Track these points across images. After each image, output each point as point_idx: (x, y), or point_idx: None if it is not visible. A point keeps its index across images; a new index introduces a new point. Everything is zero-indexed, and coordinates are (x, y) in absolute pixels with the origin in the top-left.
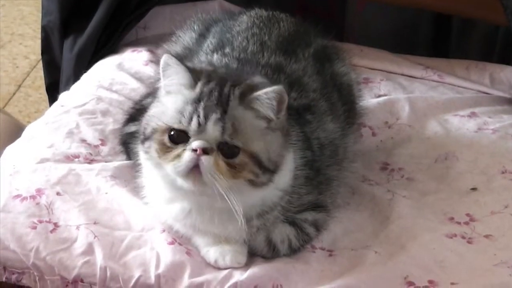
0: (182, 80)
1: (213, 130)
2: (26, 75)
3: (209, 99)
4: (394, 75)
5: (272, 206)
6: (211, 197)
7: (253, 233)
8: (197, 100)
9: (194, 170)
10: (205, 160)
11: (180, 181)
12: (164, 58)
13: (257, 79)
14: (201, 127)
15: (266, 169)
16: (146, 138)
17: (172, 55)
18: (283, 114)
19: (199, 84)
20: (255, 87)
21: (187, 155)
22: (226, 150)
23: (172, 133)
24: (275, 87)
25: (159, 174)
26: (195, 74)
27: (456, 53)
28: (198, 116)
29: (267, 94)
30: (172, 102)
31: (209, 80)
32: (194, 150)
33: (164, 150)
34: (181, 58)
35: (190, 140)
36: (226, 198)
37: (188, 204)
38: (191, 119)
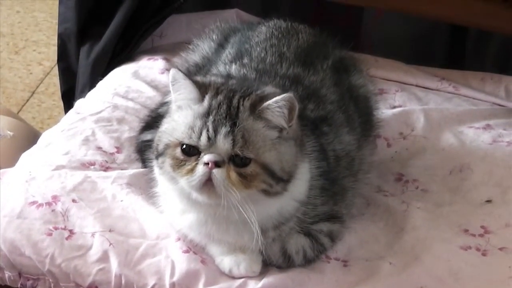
0: (190, 94)
1: (223, 143)
2: (39, 82)
3: (218, 112)
4: (409, 86)
5: (289, 217)
6: (227, 209)
7: (269, 243)
8: (206, 114)
9: (207, 183)
10: (217, 173)
11: (195, 195)
12: (172, 73)
13: (268, 89)
14: (211, 141)
15: (280, 179)
16: (160, 154)
17: (179, 69)
18: (295, 123)
19: (207, 98)
20: (265, 97)
21: (199, 169)
22: (238, 161)
23: (184, 146)
24: (284, 95)
25: (174, 188)
26: (203, 88)
27: (472, 65)
28: (208, 130)
29: (277, 103)
30: (183, 117)
31: (217, 93)
32: (206, 164)
33: (177, 164)
34: (198, 71)
35: (202, 154)
36: (241, 209)
37: (204, 215)
38: (200, 133)
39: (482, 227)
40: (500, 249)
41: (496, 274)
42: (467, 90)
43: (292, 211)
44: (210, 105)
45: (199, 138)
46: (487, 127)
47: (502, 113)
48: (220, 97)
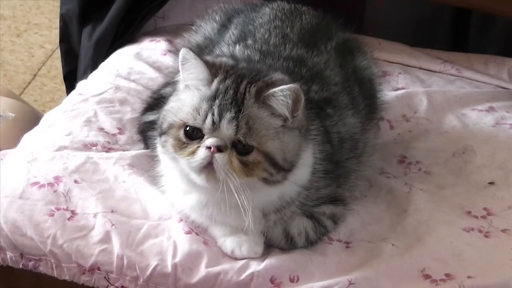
0: (200, 75)
1: (227, 129)
2: (41, 65)
3: (224, 97)
4: (412, 69)
5: (290, 201)
6: (225, 193)
7: (271, 226)
8: (213, 98)
9: (208, 166)
10: (218, 157)
11: (194, 176)
12: (182, 52)
13: (277, 75)
14: (215, 126)
15: (281, 168)
16: (163, 132)
17: (191, 49)
18: (301, 113)
19: (216, 81)
20: (271, 84)
21: (201, 152)
22: (240, 148)
23: (187, 128)
24: (291, 85)
25: (175, 167)
26: (213, 69)
27: (475, 47)
28: (213, 115)
29: (282, 91)
30: (189, 98)
31: (226, 77)
32: (208, 148)
33: (179, 145)
34: (200, 51)
35: (205, 137)
36: (236, 196)
37: (204, 197)
38: (205, 117)
39: (484, 209)
40: (503, 231)
41: (499, 256)
42: (470, 72)
43: (293, 195)
44: (217, 89)
45: (204, 121)
46: (490, 109)
47: (505, 95)
48: (228, 82)
